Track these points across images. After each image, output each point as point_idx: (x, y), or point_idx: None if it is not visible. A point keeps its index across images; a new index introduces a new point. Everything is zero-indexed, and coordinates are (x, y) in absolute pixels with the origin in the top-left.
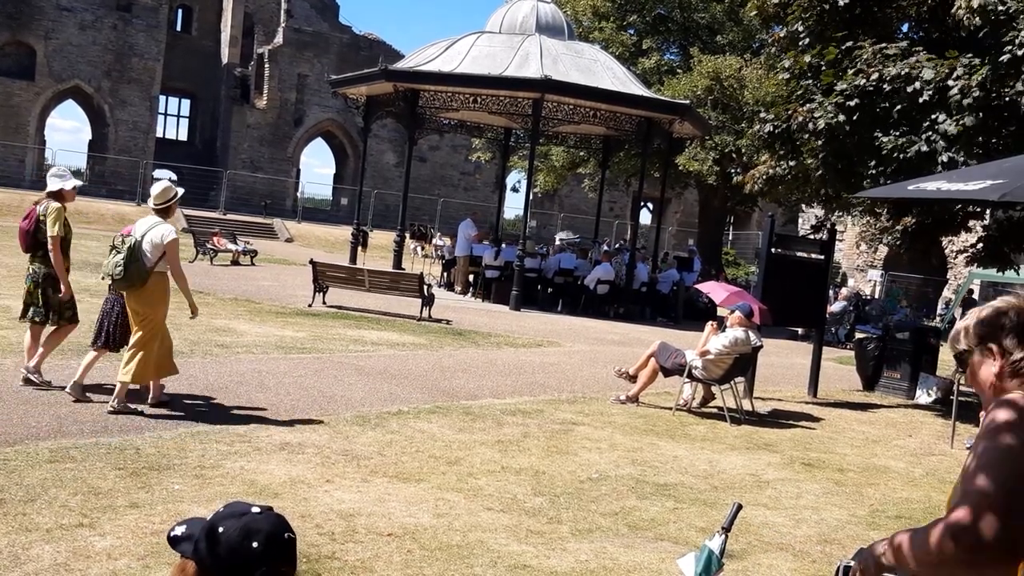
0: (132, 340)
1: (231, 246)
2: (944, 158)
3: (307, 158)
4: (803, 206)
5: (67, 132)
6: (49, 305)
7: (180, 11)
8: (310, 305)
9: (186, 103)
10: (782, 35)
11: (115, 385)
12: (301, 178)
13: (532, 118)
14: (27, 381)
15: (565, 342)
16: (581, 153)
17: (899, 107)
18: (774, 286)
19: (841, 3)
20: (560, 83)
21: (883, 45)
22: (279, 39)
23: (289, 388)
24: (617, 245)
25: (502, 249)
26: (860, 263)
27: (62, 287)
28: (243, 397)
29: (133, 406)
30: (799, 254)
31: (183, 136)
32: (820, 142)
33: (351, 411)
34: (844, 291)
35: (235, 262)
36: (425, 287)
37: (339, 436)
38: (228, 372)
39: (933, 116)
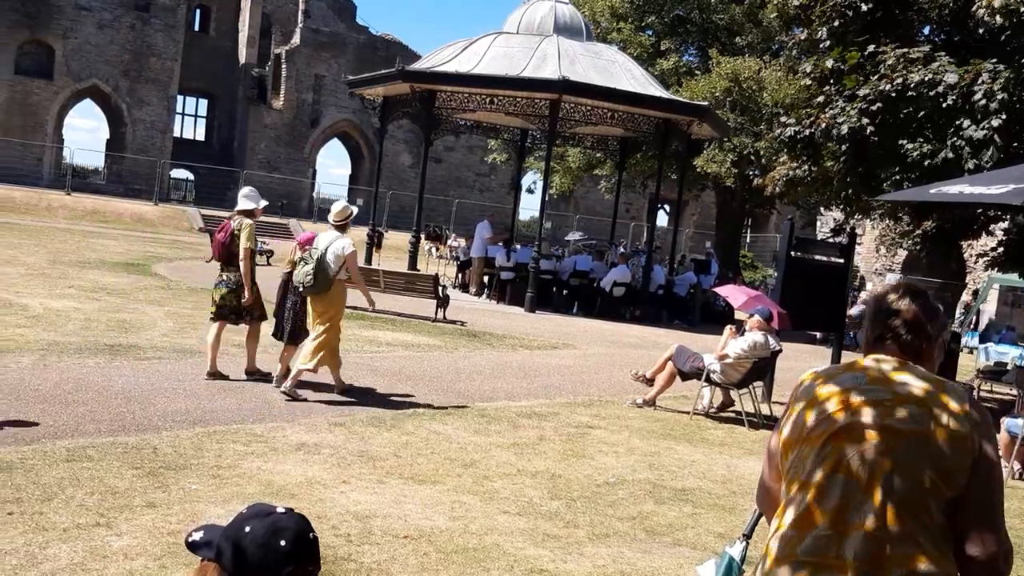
0: (314, 334)
1: None
2: (970, 165)
3: (323, 158)
4: (822, 209)
5: (85, 131)
6: (241, 308)
7: (198, 11)
8: None
9: (203, 103)
10: (803, 38)
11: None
12: (317, 178)
13: (549, 119)
14: (250, 374)
15: (581, 345)
16: (598, 154)
17: (923, 112)
18: (793, 290)
19: (863, 8)
20: (578, 84)
21: (906, 50)
22: (296, 39)
23: (304, 388)
24: (634, 247)
25: (517, 251)
26: (879, 267)
27: (247, 292)
28: (259, 397)
29: (301, 393)
30: (818, 257)
31: (200, 136)
32: (843, 147)
33: (366, 412)
34: (863, 295)
35: None
36: (440, 288)
37: (355, 437)
38: (244, 373)
39: (958, 122)
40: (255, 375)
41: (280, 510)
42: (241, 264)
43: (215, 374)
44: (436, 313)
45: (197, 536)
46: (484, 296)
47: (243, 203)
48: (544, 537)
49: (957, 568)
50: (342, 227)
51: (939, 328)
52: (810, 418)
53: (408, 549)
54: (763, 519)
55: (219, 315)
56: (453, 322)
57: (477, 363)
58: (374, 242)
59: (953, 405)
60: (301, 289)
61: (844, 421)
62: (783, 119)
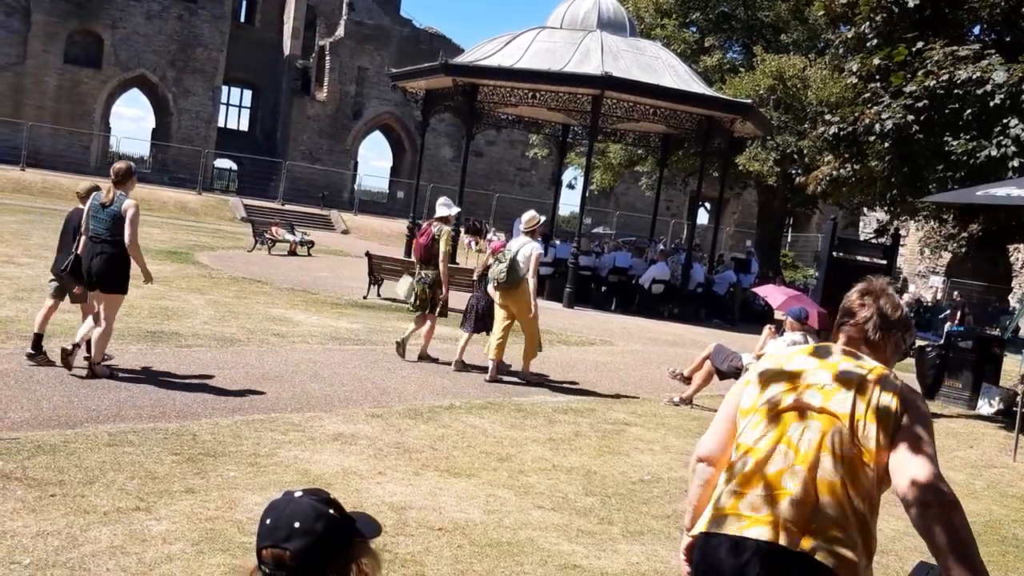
0: (501, 326)
1: (289, 236)
2: (1015, 163)
3: (365, 151)
4: (865, 209)
5: (131, 120)
6: (434, 302)
7: (244, 2)
8: (365, 297)
9: (248, 94)
10: (849, 36)
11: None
12: (358, 170)
13: (591, 115)
14: (421, 358)
15: (618, 341)
16: (639, 151)
17: (969, 110)
18: (834, 290)
19: (911, 4)
20: (620, 80)
21: (954, 48)
22: (340, 32)
23: (343, 379)
24: (674, 245)
25: (556, 246)
26: (922, 269)
27: (444, 289)
28: (298, 387)
29: (505, 377)
30: (860, 258)
31: (244, 127)
32: (887, 144)
33: (403, 404)
34: (905, 297)
35: (292, 252)
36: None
37: (391, 428)
38: (284, 361)
39: (1005, 120)
40: (425, 359)
41: (297, 494)
42: (440, 265)
43: (424, 357)
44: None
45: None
46: None
47: (441, 211)
48: (578, 533)
49: (874, 542)
50: (531, 233)
51: (895, 326)
52: (764, 393)
53: (442, 541)
54: None
55: (420, 309)
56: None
57: (514, 358)
58: (414, 235)
59: (889, 392)
60: (495, 285)
61: (791, 400)
62: (827, 117)
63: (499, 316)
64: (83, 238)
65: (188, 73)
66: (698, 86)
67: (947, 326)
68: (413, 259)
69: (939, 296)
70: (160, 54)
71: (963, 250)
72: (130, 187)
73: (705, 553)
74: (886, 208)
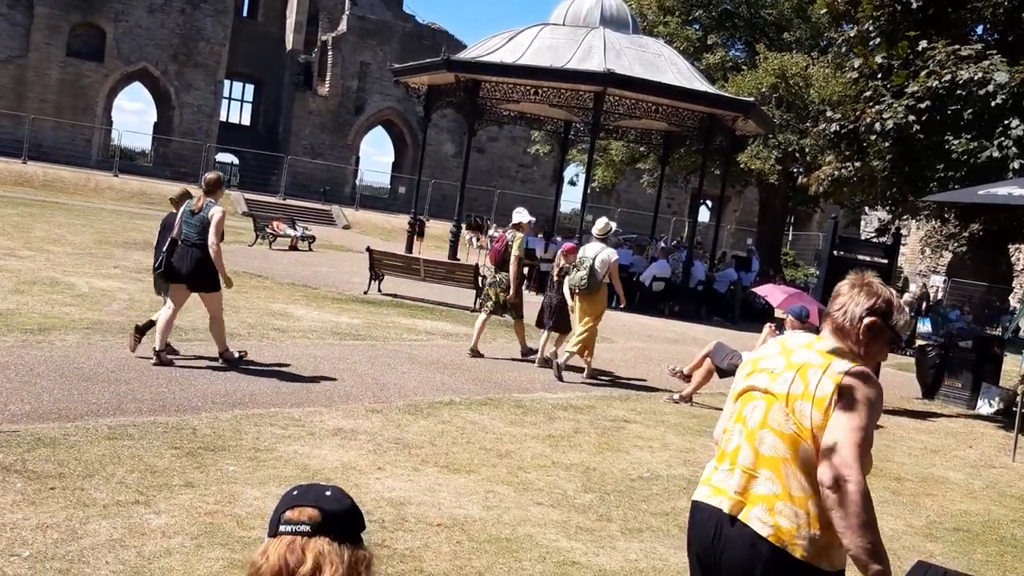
0: (581, 328)
1: (290, 231)
2: (1016, 164)
3: (366, 146)
4: (866, 208)
5: (133, 114)
6: (505, 304)
7: None
8: (366, 292)
9: (250, 88)
10: (852, 34)
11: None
12: (360, 166)
13: (593, 112)
14: (524, 354)
15: (619, 339)
16: (641, 148)
17: (971, 111)
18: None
19: (914, 4)
20: (623, 77)
21: (957, 47)
22: (343, 27)
23: (343, 374)
24: (675, 242)
25: (557, 243)
26: (923, 268)
27: (512, 291)
28: (297, 381)
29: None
30: (861, 257)
31: (246, 121)
32: (888, 144)
33: (404, 400)
34: (906, 296)
35: (293, 247)
36: (480, 278)
37: (391, 424)
38: (284, 356)
39: (1006, 121)
40: (528, 353)
41: (328, 493)
42: (511, 268)
43: (475, 352)
44: (475, 303)
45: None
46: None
47: (516, 218)
48: (577, 530)
49: (816, 509)
50: (604, 239)
51: (873, 313)
52: (737, 379)
53: (441, 537)
54: None
55: (493, 310)
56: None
57: (514, 354)
58: (415, 231)
59: (830, 375)
60: (576, 290)
61: (747, 384)
62: (828, 114)
63: (578, 318)
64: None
65: (190, 67)
66: (700, 84)
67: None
68: (489, 263)
69: (939, 295)
70: (162, 48)
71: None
72: (219, 195)
73: (691, 516)
74: (887, 207)
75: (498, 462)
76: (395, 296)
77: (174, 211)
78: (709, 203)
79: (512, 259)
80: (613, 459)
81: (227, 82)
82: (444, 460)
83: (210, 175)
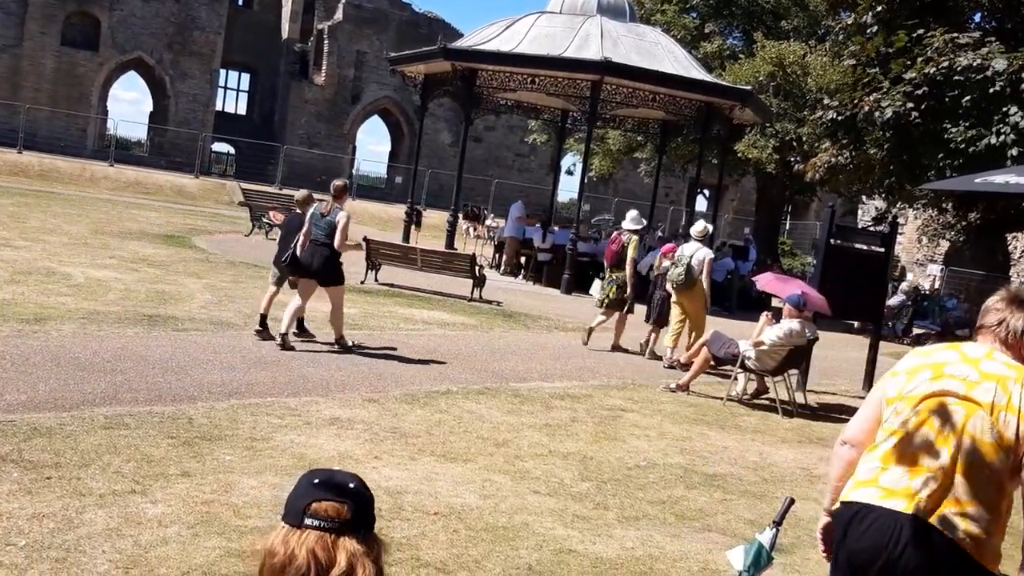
0: (675, 321)
1: None
2: (1014, 152)
3: (363, 135)
4: (863, 197)
5: (128, 103)
6: (622, 301)
7: None
8: (362, 282)
9: (246, 77)
10: (850, 22)
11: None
12: (356, 155)
13: (590, 100)
14: (614, 349)
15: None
16: (638, 137)
17: (969, 98)
18: (832, 278)
19: None
20: (620, 66)
21: (955, 35)
22: (339, 15)
23: (340, 363)
24: (672, 232)
25: (555, 232)
26: (920, 257)
27: (630, 289)
28: (294, 371)
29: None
30: (859, 246)
31: (242, 110)
32: (885, 132)
33: (400, 389)
34: (903, 285)
35: None
36: (477, 268)
37: (388, 413)
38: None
39: (1005, 108)
40: (617, 350)
41: (351, 483)
42: (627, 268)
43: (617, 348)
44: (472, 292)
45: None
46: (520, 277)
47: (630, 224)
48: (574, 518)
49: (1003, 524)
50: (701, 240)
51: None
52: (911, 382)
53: (438, 526)
54: (793, 507)
55: (609, 306)
56: (489, 302)
57: (512, 343)
58: (412, 220)
59: None
60: (674, 286)
61: (937, 388)
62: (826, 102)
63: (675, 312)
64: (302, 238)
65: (186, 56)
66: (698, 72)
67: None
68: (604, 264)
69: (937, 284)
70: (157, 37)
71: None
72: (344, 200)
73: (844, 519)
74: (884, 196)
75: (495, 451)
76: (392, 286)
77: (298, 212)
78: (707, 192)
79: (628, 260)
80: (610, 448)
81: (223, 71)
82: (441, 449)
83: (337, 182)
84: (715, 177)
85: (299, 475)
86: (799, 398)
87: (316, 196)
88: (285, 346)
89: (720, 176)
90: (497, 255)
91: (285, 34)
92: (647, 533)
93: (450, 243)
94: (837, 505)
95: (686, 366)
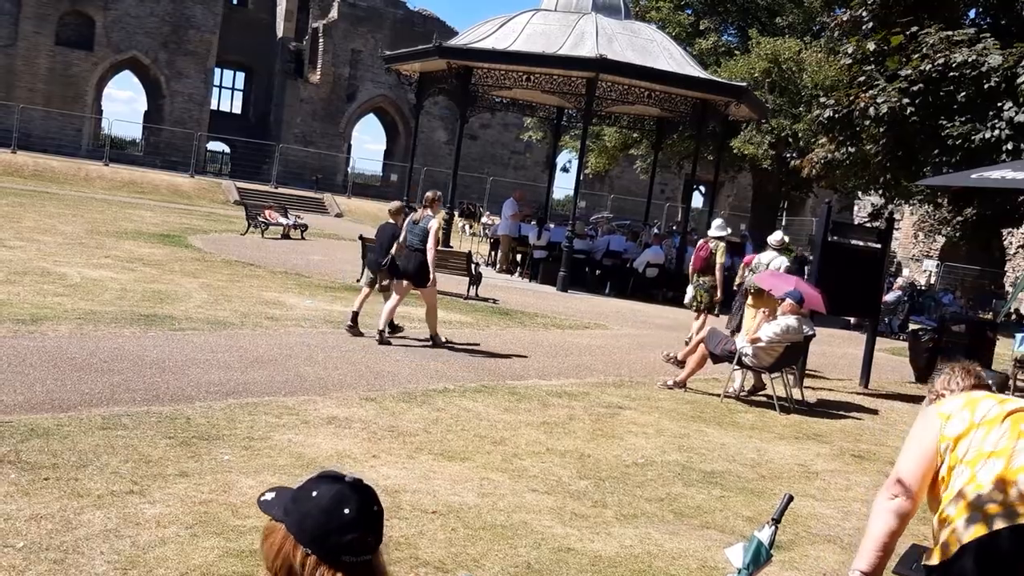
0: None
1: (282, 220)
2: (1009, 146)
3: (358, 133)
4: (859, 193)
5: (123, 102)
6: (711, 304)
7: None
8: (359, 280)
9: (241, 76)
10: (845, 19)
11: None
12: (352, 153)
13: (585, 98)
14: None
15: (612, 325)
16: (634, 134)
17: (964, 94)
18: (828, 275)
19: None
20: (615, 63)
21: (950, 32)
22: (334, 13)
23: (337, 362)
24: (668, 228)
25: (550, 229)
26: (916, 253)
27: (719, 292)
28: (292, 370)
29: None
30: (855, 242)
31: (237, 109)
32: (881, 128)
33: (398, 387)
34: (899, 281)
35: (286, 236)
36: (472, 266)
37: (385, 412)
38: (278, 344)
39: (1000, 104)
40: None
41: (348, 478)
42: (717, 273)
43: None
44: (468, 290)
45: (269, 496)
46: (516, 274)
47: (716, 231)
48: (572, 516)
49: None
50: (779, 249)
51: None
52: (976, 413)
53: (436, 524)
54: (792, 504)
55: (699, 309)
56: (485, 300)
57: (508, 341)
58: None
59: None
60: (751, 290)
61: (1013, 406)
62: (822, 100)
63: (748, 315)
64: (398, 244)
65: (180, 55)
66: (693, 69)
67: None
68: (691, 269)
69: (933, 280)
70: (152, 36)
71: (957, 234)
72: (436, 209)
73: (990, 552)
74: (880, 192)
75: (493, 449)
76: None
77: (391, 221)
78: (703, 189)
79: (716, 266)
80: (607, 445)
81: (218, 70)
82: (439, 448)
83: (429, 193)
84: (711, 173)
85: (299, 475)
86: (796, 394)
87: (311, 195)
88: (382, 341)
89: (716, 172)
90: (493, 252)
91: (280, 33)
92: (645, 531)
93: (446, 241)
94: (934, 560)
95: (681, 363)
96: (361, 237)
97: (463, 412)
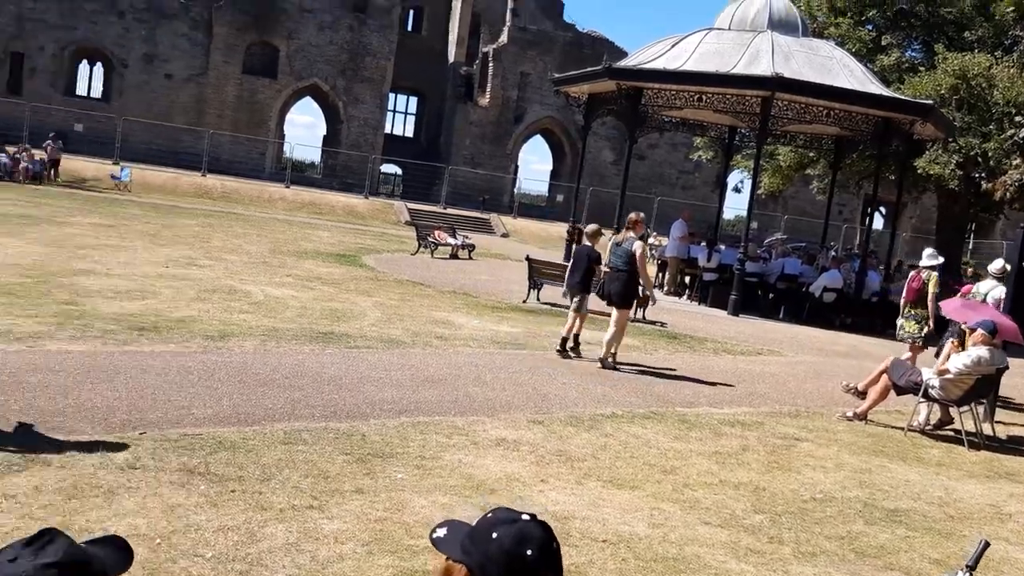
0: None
1: (451, 240)
2: None
3: (525, 154)
4: None
5: (303, 127)
6: (922, 336)
7: (411, 12)
8: (525, 301)
9: (413, 100)
10: None
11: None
12: (518, 174)
13: (760, 117)
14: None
15: (787, 352)
16: (810, 153)
17: None
18: None
19: None
20: (792, 81)
21: None
22: (504, 38)
23: (505, 384)
24: (846, 251)
25: (721, 251)
26: None
27: (931, 323)
28: (461, 390)
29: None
30: None
31: (409, 133)
32: None
33: (565, 411)
34: None
35: (454, 256)
36: (639, 288)
37: (553, 436)
38: (447, 364)
39: None
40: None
41: (525, 517)
42: (929, 305)
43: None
44: (635, 312)
45: (441, 533)
46: (684, 297)
47: (927, 260)
48: (747, 552)
49: None
50: (999, 278)
51: None
52: None
53: (606, 554)
54: (988, 550)
55: (913, 343)
56: (653, 322)
57: (677, 366)
58: (573, 239)
59: None
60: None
61: None
62: (1017, 119)
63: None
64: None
65: (357, 82)
66: (875, 87)
67: None
68: (903, 300)
69: None
70: (332, 63)
71: None
72: (639, 231)
73: None
74: None
75: (663, 478)
76: (554, 305)
77: (587, 243)
78: (883, 209)
79: (929, 296)
80: (784, 479)
81: (392, 95)
82: (608, 474)
83: (632, 215)
84: (892, 194)
85: (470, 497)
86: (987, 429)
87: (478, 215)
88: (604, 365)
89: (899, 193)
90: (660, 274)
91: (451, 58)
92: (825, 570)
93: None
94: None
95: (862, 394)
96: (528, 258)
97: (632, 439)
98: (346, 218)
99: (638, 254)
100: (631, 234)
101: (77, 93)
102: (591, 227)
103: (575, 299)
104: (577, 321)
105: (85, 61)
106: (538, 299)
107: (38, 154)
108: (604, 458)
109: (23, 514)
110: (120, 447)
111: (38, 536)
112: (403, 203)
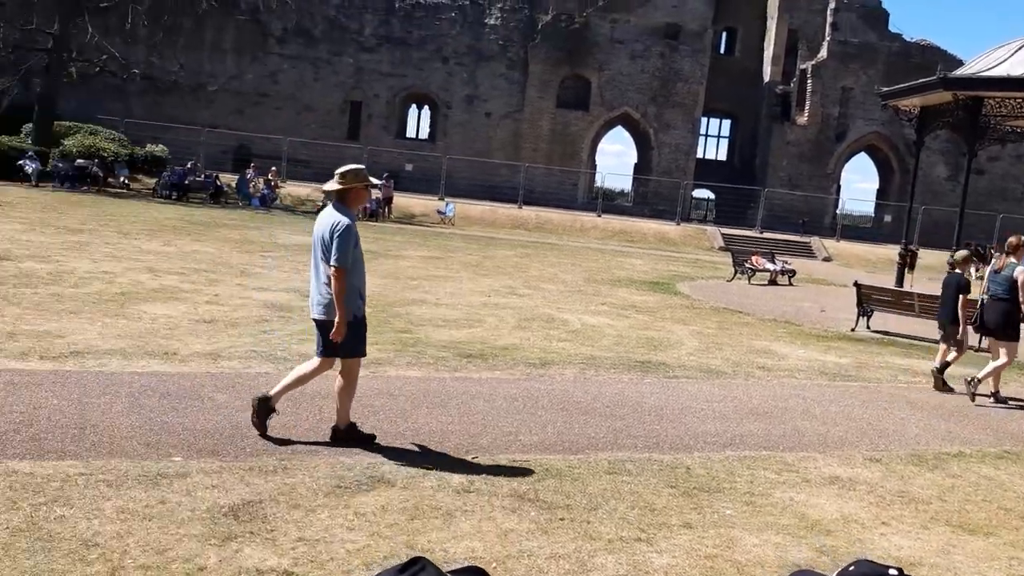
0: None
1: (769, 266)
2: None
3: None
4: None
5: (613, 156)
6: None
7: (724, 34)
8: (853, 329)
9: (726, 123)
10: None
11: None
12: (841, 194)
13: None
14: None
15: None
16: None
17: None
18: None
19: None
20: None
21: None
22: (823, 53)
23: (836, 418)
24: None
25: None
26: None
27: None
28: (788, 423)
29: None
30: None
31: (722, 156)
32: None
33: (905, 448)
34: None
35: (772, 282)
36: (978, 315)
37: (893, 475)
38: (771, 396)
39: None
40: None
41: (892, 572)
42: None
43: None
44: (979, 342)
45: None
46: None
47: None
48: None
49: None
50: None
51: None
52: None
53: None
54: None
55: None
56: None
57: None
58: (906, 262)
59: None
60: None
61: None
62: None
63: None
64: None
65: (668, 108)
66: None
67: None
68: None
69: None
70: (642, 92)
71: None
72: (1019, 256)
73: None
74: None
75: (1021, 525)
76: (886, 334)
77: (956, 271)
78: None
79: None
80: None
81: (703, 119)
82: (957, 519)
83: (1012, 239)
84: None
85: (805, 537)
86: None
87: (797, 239)
88: (997, 400)
89: None
90: None
91: (766, 77)
92: None
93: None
94: None
95: None
96: (856, 283)
97: (983, 480)
98: (657, 245)
99: (1020, 280)
100: (1011, 259)
101: (407, 135)
102: (960, 253)
103: (942, 331)
104: (950, 353)
105: (414, 105)
106: (868, 327)
107: (375, 193)
108: (952, 500)
109: (372, 532)
110: (455, 470)
111: (410, 564)
112: (716, 228)
